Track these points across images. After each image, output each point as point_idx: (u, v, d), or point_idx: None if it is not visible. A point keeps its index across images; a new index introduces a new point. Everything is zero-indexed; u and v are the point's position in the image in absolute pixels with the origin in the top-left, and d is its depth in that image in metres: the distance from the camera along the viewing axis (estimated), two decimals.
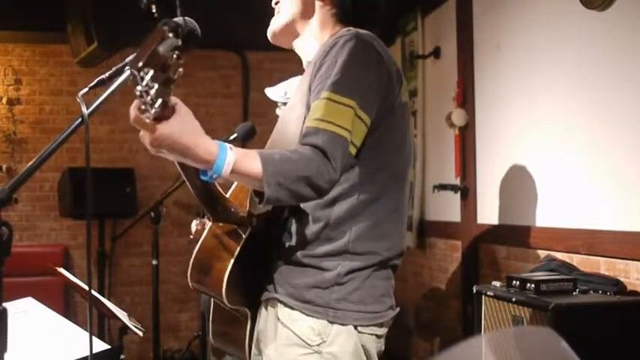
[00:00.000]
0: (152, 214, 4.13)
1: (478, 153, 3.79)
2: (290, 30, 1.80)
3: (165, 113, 1.28)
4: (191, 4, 2.67)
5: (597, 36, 2.75)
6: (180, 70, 1.20)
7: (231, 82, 5.75)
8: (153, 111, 1.23)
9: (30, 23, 4.84)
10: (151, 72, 1.17)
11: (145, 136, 1.33)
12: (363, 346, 1.61)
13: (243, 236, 1.63)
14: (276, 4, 1.82)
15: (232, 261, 1.61)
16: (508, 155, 3.46)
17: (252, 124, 2.91)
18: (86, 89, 1.32)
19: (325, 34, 1.78)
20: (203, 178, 1.43)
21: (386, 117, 1.63)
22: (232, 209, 1.68)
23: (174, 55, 1.18)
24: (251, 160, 1.42)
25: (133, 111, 1.28)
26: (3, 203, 1.14)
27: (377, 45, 1.64)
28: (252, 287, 1.69)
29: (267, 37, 1.86)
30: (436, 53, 4.32)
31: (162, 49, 1.17)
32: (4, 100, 5.36)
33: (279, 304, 1.63)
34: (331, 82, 1.54)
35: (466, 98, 3.84)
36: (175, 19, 1.28)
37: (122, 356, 2.75)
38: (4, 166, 5.29)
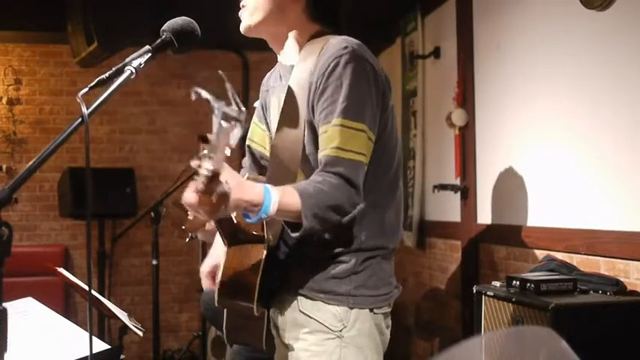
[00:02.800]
0: (152, 214, 4.14)
1: (478, 153, 3.78)
2: (264, 27, 1.82)
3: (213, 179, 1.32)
4: (191, 4, 2.67)
5: (597, 36, 2.75)
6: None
7: (231, 82, 5.73)
8: (205, 180, 1.28)
9: (30, 23, 4.83)
10: (207, 156, 1.27)
11: (202, 211, 1.37)
12: (376, 325, 1.76)
13: (263, 255, 1.70)
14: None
15: (259, 281, 1.69)
16: (508, 155, 3.46)
17: None
18: (86, 89, 1.32)
19: (300, 32, 1.81)
20: (249, 221, 1.52)
21: (384, 127, 1.73)
22: (247, 231, 1.75)
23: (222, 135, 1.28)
24: (291, 197, 1.53)
25: (192, 196, 1.33)
26: (3, 203, 1.14)
27: (368, 56, 1.70)
28: (271, 291, 1.77)
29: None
30: (436, 53, 4.32)
31: (215, 140, 1.30)
32: (4, 100, 5.36)
33: (299, 298, 1.73)
34: (342, 108, 1.62)
35: (466, 98, 3.84)
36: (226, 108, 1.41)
37: (122, 356, 2.75)
38: (4, 166, 5.28)
